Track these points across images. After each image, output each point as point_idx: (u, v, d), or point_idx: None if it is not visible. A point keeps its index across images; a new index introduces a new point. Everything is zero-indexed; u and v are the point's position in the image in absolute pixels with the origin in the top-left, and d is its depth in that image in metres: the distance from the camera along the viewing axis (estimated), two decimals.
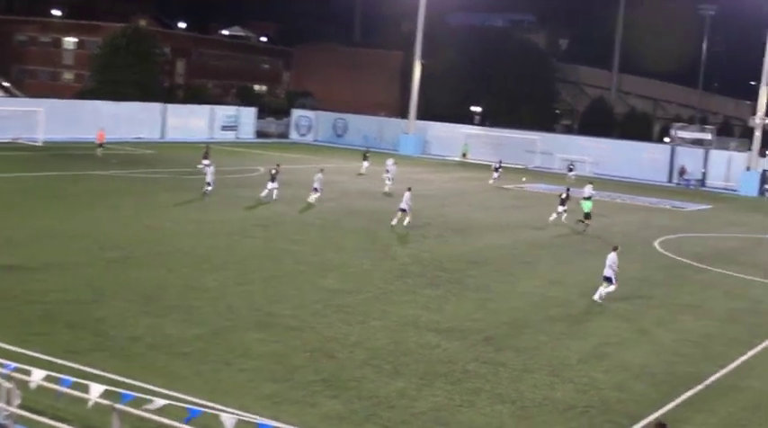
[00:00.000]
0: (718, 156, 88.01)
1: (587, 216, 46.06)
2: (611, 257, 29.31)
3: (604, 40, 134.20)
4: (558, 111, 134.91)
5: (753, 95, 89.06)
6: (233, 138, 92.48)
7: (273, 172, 47.52)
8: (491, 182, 66.20)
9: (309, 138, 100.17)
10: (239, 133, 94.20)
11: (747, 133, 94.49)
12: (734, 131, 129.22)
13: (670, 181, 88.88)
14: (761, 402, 19.93)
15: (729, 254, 42.27)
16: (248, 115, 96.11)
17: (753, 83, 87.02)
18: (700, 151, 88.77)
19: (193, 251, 31.75)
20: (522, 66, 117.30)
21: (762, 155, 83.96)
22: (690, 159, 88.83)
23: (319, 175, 47.78)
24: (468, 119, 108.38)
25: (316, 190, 47.23)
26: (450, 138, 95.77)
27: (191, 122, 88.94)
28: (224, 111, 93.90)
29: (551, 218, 46.80)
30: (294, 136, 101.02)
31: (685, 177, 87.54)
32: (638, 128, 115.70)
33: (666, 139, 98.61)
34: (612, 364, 21.90)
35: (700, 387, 20.63)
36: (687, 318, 27.78)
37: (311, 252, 33.43)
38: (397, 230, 40.46)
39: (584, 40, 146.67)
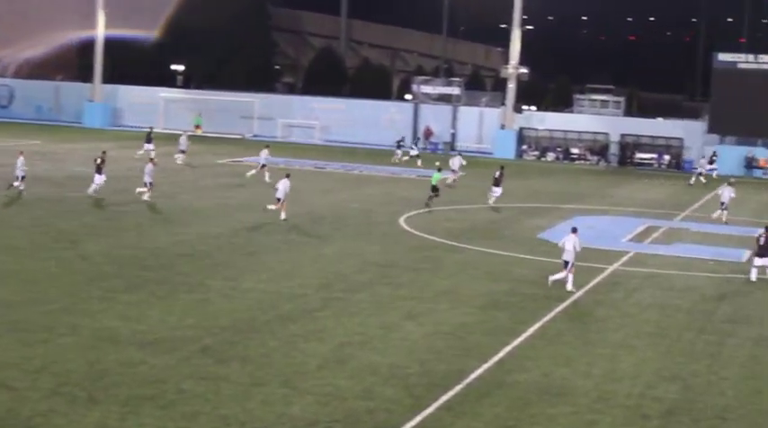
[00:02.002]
0: (468, 113, 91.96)
1: (435, 189, 49.46)
2: (572, 239, 31.88)
3: None
4: (277, 67, 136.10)
5: (504, 41, 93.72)
6: None
7: (99, 161, 47.52)
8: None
9: None
10: None
11: (500, 85, 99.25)
12: (485, 83, 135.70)
13: (415, 145, 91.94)
14: (529, 398, 21.12)
15: (487, 229, 44.48)
16: None
17: (503, 26, 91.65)
18: (447, 108, 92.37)
19: None
20: (229, 13, 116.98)
21: (517, 110, 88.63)
22: (436, 118, 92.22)
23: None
24: (169, 80, 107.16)
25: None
26: (148, 104, 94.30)
27: None
28: None
29: (491, 201, 51.63)
30: None
31: (432, 140, 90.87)
32: (375, 83, 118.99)
33: (408, 96, 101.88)
34: (358, 368, 22.47)
35: (460, 386, 21.55)
36: (442, 308, 28.96)
37: None
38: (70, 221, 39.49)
39: None
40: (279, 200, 43.29)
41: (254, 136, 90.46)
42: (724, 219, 50.06)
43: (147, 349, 22.95)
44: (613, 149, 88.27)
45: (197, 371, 21.52)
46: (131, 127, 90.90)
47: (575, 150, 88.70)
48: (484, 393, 21.24)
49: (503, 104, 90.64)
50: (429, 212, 48.30)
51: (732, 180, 56.69)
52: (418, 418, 19.41)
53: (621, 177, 76.63)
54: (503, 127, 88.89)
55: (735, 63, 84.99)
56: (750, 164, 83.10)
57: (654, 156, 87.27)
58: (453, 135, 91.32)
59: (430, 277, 33.24)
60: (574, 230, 33.06)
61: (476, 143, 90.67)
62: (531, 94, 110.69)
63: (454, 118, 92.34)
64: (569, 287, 32.01)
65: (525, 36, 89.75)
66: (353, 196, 53.35)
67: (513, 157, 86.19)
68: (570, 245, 32.32)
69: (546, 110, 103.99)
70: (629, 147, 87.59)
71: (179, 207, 45.62)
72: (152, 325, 25.05)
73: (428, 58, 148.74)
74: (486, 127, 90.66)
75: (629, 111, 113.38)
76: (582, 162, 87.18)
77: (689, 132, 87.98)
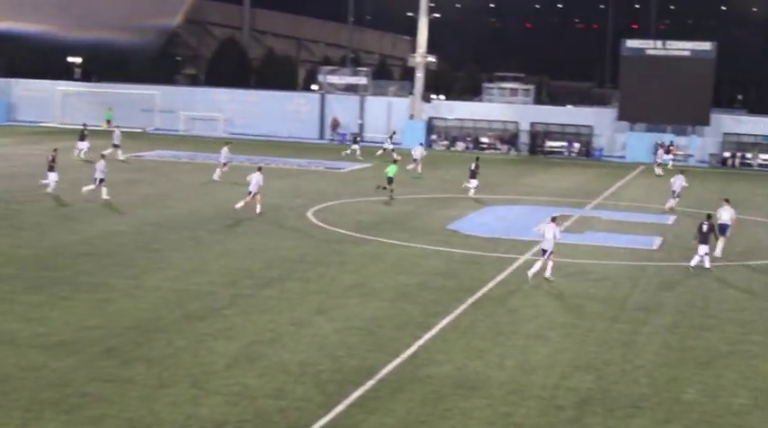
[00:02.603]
0: (375, 103, 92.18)
1: (390, 181, 50.68)
2: (551, 228, 32.89)
3: None
4: (178, 59, 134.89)
5: (412, 29, 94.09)
6: None
7: (50, 159, 47.50)
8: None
9: None
10: None
11: (408, 74, 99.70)
12: (393, 73, 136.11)
13: (322, 137, 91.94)
14: (443, 393, 21.27)
15: (397, 221, 44.64)
16: None
17: (410, 14, 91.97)
18: (354, 99, 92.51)
19: None
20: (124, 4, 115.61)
21: (426, 100, 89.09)
22: (343, 109, 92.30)
23: None
24: (67, 73, 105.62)
25: None
26: (44, 99, 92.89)
27: None
28: None
29: (470, 193, 53.13)
30: None
31: (339, 131, 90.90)
32: (280, 74, 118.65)
33: (314, 87, 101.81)
34: (268, 366, 22.42)
35: (372, 382, 21.62)
36: (352, 302, 29.02)
37: None
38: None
39: None
40: (250, 193, 44.04)
41: (156, 129, 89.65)
42: (667, 207, 50.98)
43: (49, 352, 22.63)
44: (523, 138, 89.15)
45: (101, 374, 21.28)
46: (26, 122, 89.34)
47: (485, 139, 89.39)
48: (396, 388, 21.32)
49: (411, 94, 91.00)
50: (336, 205, 48.33)
51: (683, 169, 58.24)
52: (330, 416, 19.44)
53: (532, 166, 77.47)
54: (411, 117, 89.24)
55: (643, 50, 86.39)
56: (658, 150, 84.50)
57: (564, 144, 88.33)
58: (361, 125, 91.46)
59: (340, 271, 33.28)
60: (553, 219, 33.99)
61: (384, 133, 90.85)
62: (439, 83, 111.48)
63: (362, 108, 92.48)
64: (548, 274, 32.89)
65: (433, 24, 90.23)
66: (261, 190, 53.03)
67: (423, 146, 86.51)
68: (550, 233, 33.15)
69: (455, 99, 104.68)
70: (539, 136, 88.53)
71: (80, 204, 45.00)
72: (54, 327, 24.70)
73: (334, 48, 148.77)
74: (394, 117, 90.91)
75: (539, 100, 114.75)
76: (492, 151, 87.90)
77: (599, 120, 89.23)
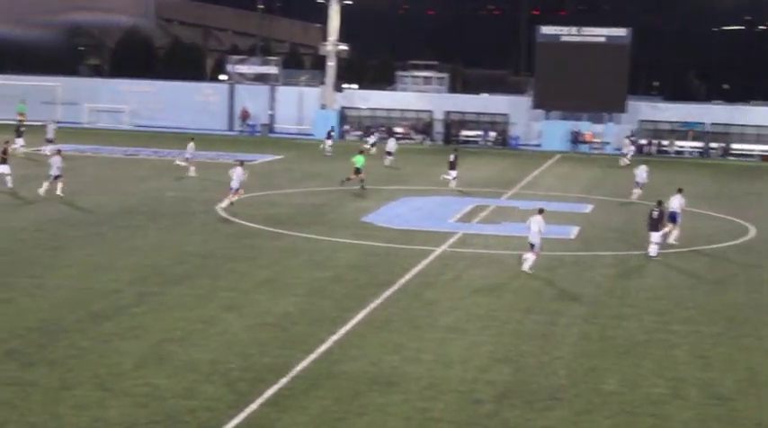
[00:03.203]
0: (286, 93, 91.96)
1: (358, 171, 52.03)
2: (538, 220, 33.28)
3: None
4: (81, 48, 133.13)
5: (323, 17, 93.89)
6: None
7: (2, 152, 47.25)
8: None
9: None
10: None
11: (320, 63, 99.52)
12: (304, 62, 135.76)
13: (231, 128, 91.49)
14: (358, 389, 21.27)
15: (310, 214, 44.55)
16: None
17: (321, 1, 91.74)
18: (264, 89, 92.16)
19: None
20: None
21: (338, 89, 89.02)
22: (253, 99, 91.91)
23: None
24: None
25: None
26: None
27: None
28: None
29: (451, 185, 54.22)
30: None
31: (249, 122, 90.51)
32: (187, 63, 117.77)
33: (223, 77, 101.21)
34: (177, 366, 22.23)
35: (285, 380, 21.54)
36: (264, 298, 28.89)
37: None
38: None
39: None
40: (232, 189, 44.36)
41: (58, 122, 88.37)
42: (633, 198, 51.54)
43: None
44: (438, 127, 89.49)
45: (2, 377, 20.93)
46: None
47: (398, 129, 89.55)
48: (311, 385, 21.28)
49: (323, 83, 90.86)
50: (247, 199, 48.10)
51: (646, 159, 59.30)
52: (242, 415, 19.33)
53: (447, 156, 77.70)
54: (323, 107, 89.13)
55: (558, 36, 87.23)
56: (576, 139, 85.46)
57: (479, 133, 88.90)
58: (272, 116, 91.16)
59: (251, 266, 33.12)
60: (540, 211, 34.34)
61: (296, 124, 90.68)
62: (352, 72, 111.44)
63: (272, 98, 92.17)
64: (526, 266, 33.40)
65: (344, 11, 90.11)
66: (169, 184, 52.68)
67: (335, 138, 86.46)
68: (536, 226, 33.54)
69: (368, 88, 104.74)
70: (454, 125, 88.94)
71: None
72: None
73: (243, 36, 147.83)
74: (305, 107, 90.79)
75: (454, 88, 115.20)
76: (406, 141, 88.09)
77: (514, 108, 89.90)
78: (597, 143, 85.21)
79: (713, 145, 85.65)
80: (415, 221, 43.88)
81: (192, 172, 55.92)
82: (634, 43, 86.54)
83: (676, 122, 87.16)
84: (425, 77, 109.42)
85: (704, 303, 30.40)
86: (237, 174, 44.65)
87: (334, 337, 24.98)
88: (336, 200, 49.07)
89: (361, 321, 26.71)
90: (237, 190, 44.60)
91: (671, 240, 39.60)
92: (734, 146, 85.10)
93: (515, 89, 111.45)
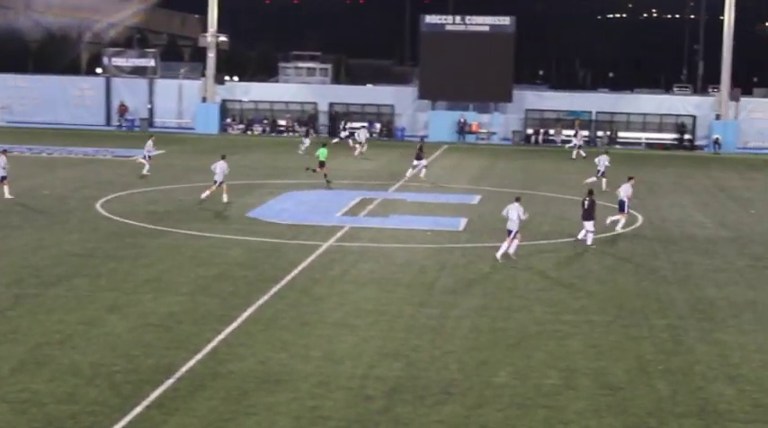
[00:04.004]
0: (165, 86, 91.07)
1: (322, 164, 53.15)
2: (516, 208, 34.60)
3: None
4: None
5: (202, 7, 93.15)
6: None
7: None
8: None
9: None
10: None
11: (199, 55, 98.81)
12: (183, 54, 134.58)
13: (109, 123, 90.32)
14: (246, 388, 21.18)
15: (193, 210, 44.19)
16: None
17: None
18: (142, 82, 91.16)
19: None
20: None
21: (219, 82, 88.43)
22: (131, 93, 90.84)
23: None
24: None
25: None
26: None
27: None
28: None
29: (422, 175, 56.48)
30: None
31: (127, 117, 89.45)
32: (60, 57, 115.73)
33: (99, 70, 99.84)
34: (57, 369, 21.88)
35: (171, 381, 21.37)
36: (147, 297, 28.59)
37: None
38: None
39: None
40: (216, 182, 45.59)
41: None
42: (604, 188, 51.53)
43: None
44: (323, 119, 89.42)
45: None
46: None
47: (282, 122, 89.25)
48: (197, 386, 21.14)
49: (203, 76, 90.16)
50: (127, 196, 47.56)
51: (605, 148, 63.40)
52: (127, 419, 19.14)
53: (332, 148, 77.70)
54: (204, 100, 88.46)
55: (442, 25, 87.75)
56: (462, 129, 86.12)
57: (365, 124, 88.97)
58: (151, 110, 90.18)
59: (133, 265, 32.75)
60: (517, 199, 35.77)
61: (176, 118, 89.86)
62: (232, 64, 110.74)
63: (151, 92, 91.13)
64: (500, 253, 34.94)
65: (223, 2, 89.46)
66: (44, 182, 51.76)
67: (216, 132, 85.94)
68: (514, 213, 34.56)
69: (250, 80, 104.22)
70: (339, 117, 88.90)
71: None
72: None
73: (120, 28, 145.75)
74: (185, 100, 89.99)
75: (338, 79, 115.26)
76: (290, 134, 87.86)
77: (399, 99, 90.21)
78: (484, 133, 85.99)
79: (599, 133, 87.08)
80: (301, 215, 43.84)
81: (146, 170, 55.35)
82: (518, 32, 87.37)
83: (562, 111, 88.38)
84: (309, 68, 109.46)
85: (595, 292, 30.94)
86: (221, 168, 45.61)
87: (221, 336, 24.86)
88: (220, 196, 48.69)
89: (249, 319, 26.61)
90: (221, 183, 45.50)
91: (618, 228, 41.17)
92: (620, 134, 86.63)
93: (400, 79, 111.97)
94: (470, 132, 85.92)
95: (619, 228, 41.15)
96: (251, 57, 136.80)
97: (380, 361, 23.24)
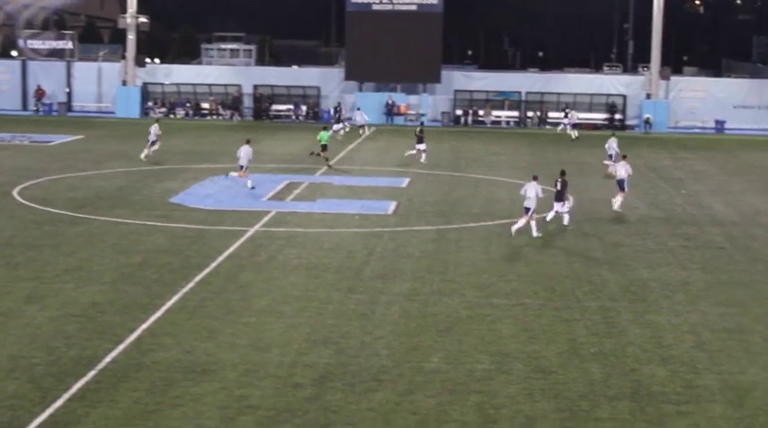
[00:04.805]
0: (84, 69, 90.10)
1: (324, 148, 54.28)
2: (534, 186, 35.93)
3: None
4: None
5: None
6: None
7: None
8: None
9: None
10: None
11: (119, 37, 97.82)
12: (102, 36, 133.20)
13: (26, 108, 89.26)
14: (172, 378, 21.06)
15: (114, 197, 43.80)
16: None
17: None
18: (60, 65, 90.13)
19: None
20: None
21: (140, 64, 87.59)
22: (48, 77, 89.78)
23: None
24: None
25: None
26: None
27: None
28: None
29: (408, 153, 58.34)
30: None
31: (45, 101, 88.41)
32: None
33: (14, 53, 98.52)
34: None
35: (93, 372, 21.19)
36: (68, 287, 28.32)
37: None
38: None
39: None
40: (242, 167, 46.06)
41: None
42: (610, 171, 51.58)
43: None
44: (247, 102, 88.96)
45: None
46: None
47: (206, 105, 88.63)
48: (121, 377, 21.00)
49: (123, 58, 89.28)
50: (45, 182, 47.05)
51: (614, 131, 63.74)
52: (48, 412, 18.99)
53: (257, 132, 77.32)
54: (124, 83, 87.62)
55: (369, 5, 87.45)
56: (390, 110, 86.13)
57: (290, 107, 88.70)
58: (69, 94, 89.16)
59: (53, 254, 32.43)
60: (535, 178, 36.99)
61: (95, 102, 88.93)
62: (153, 46, 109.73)
63: (69, 75, 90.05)
64: (534, 233, 36.17)
65: None
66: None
67: (138, 116, 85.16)
68: (532, 191, 35.71)
69: (171, 62, 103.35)
70: (263, 99, 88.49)
71: None
72: None
73: (35, 9, 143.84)
74: (105, 84, 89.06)
75: (262, 60, 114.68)
76: (214, 117, 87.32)
77: (326, 80, 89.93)
78: (413, 114, 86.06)
79: (529, 114, 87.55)
80: (226, 201, 43.63)
81: (144, 155, 55.74)
82: (447, 11, 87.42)
83: (492, 92, 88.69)
84: (232, 50, 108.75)
85: (526, 275, 31.14)
86: (245, 152, 46.12)
87: (145, 325, 24.71)
88: (142, 181, 48.34)
89: (173, 307, 26.47)
90: (245, 168, 45.85)
91: (615, 207, 42.33)
92: (550, 114, 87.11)
93: (327, 61, 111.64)
94: (399, 114, 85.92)
95: (615, 207, 42.38)
96: (173, 38, 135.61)
97: (309, 349, 23.23)
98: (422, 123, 65.33)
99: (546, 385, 21.22)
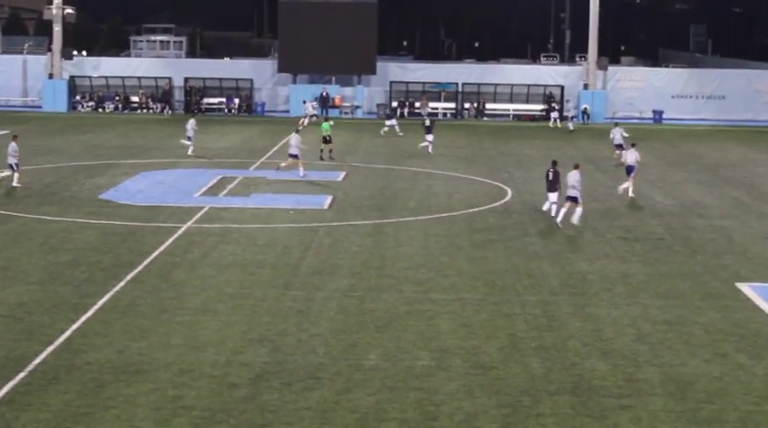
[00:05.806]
0: (8, 62, 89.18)
1: (326, 139, 55.59)
2: (575, 175, 37.45)
3: None
4: None
5: None
6: None
7: None
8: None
9: None
10: None
11: (45, 28, 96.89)
12: (27, 27, 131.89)
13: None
14: (104, 380, 20.90)
15: (41, 193, 43.38)
16: None
17: None
18: None
19: None
20: None
21: (67, 57, 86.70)
22: None
23: None
24: None
25: None
26: None
27: None
28: None
29: (421, 145, 59.28)
30: None
31: None
32: None
33: None
34: None
35: (22, 375, 21.00)
36: None
37: None
38: None
39: None
40: (293, 156, 48.36)
41: None
42: (621, 160, 51.64)
43: None
44: (178, 95, 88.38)
45: None
46: None
47: (135, 98, 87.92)
48: (51, 379, 20.82)
49: (49, 50, 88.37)
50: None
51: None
52: None
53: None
54: (51, 76, 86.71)
55: None
56: (325, 103, 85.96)
57: (223, 100, 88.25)
58: None
59: None
60: (576, 166, 38.79)
61: (20, 96, 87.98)
62: (81, 38, 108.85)
63: None
64: (575, 219, 37.38)
65: None
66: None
67: (65, 110, 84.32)
68: (573, 180, 37.61)
69: (99, 54, 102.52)
70: (195, 92, 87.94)
71: None
72: None
73: None
74: (31, 77, 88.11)
75: (193, 52, 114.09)
76: (144, 111, 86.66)
77: (259, 72, 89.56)
78: (347, 107, 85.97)
79: (466, 105, 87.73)
80: (157, 197, 43.38)
81: (191, 151, 57.00)
82: (381, 1, 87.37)
83: (428, 83, 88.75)
84: (162, 42, 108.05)
85: (465, 269, 31.27)
86: (295, 141, 48.48)
87: (75, 326, 24.53)
88: (70, 178, 47.91)
89: (104, 307, 26.30)
90: (296, 156, 47.88)
91: (620, 191, 44.30)
92: (487, 106, 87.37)
93: (259, 52, 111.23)
94: (333, 106, 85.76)
95: (621, 191, 44.48)
96: (100, 29, 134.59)
97: (245, 347, 23.17)
98: (429, 115, 68.55)
99: (486, 380, 21.33)
